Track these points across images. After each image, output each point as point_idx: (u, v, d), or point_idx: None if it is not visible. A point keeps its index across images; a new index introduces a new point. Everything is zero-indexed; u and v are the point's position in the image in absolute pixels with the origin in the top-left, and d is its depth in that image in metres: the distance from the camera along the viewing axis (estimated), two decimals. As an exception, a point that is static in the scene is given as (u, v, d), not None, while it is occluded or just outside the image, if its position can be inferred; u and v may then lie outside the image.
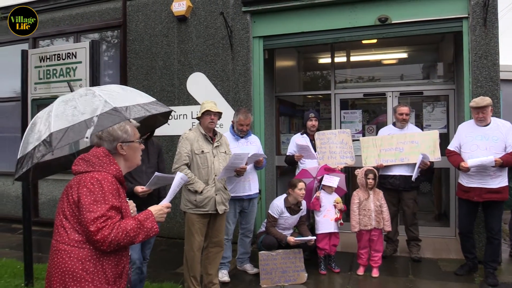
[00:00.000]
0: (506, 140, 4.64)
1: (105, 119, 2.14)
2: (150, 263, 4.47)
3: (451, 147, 4.98)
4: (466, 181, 4.82)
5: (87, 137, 2.07)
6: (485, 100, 4.64)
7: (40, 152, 2.15)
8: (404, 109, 5.55)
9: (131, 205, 2.49)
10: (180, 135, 4.46)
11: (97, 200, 2.10)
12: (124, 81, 7.12)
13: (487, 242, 4.87)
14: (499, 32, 5.50)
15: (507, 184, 4.76)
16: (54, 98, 2.69)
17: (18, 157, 2.33)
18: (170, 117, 3.13)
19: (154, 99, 2.57)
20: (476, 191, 4.72)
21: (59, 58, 5.04)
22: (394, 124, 5.76)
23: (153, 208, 2.33)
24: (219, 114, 4.40)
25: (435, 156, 5.35)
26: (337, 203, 5.15)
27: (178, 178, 2.66)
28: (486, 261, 4.84)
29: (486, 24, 5.41)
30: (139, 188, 3.72)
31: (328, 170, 5.30)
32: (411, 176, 5.24)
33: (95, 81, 4.64)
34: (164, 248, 6.18)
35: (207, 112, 4.32)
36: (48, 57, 5.07)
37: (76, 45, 5.42)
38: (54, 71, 5.05)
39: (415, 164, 5.19)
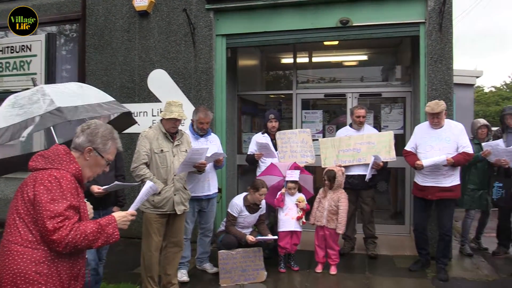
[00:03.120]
0: (458, 141, 4.85)
1: (47, 118, 2.07)
2: (106, 264, 4.36)
3: (408, 147, 5.15)
4: (421, 180, 5.01)
5: (23, 136, 2.00)
6: (440, 106, 4.81)
7: None
8: (361, 112, 5.69)
9: (88, 206, 2.41)
10: (139, 133, 4.36)
11: (54, 198, 2.02)
12: (82, 76, 6.91)
13: (439, 239, 5.06)
14: (454, 37, 5.72)
15: (459, 182, 4.98)
16: (6, 92, 2.59)
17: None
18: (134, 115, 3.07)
19: (112, 99, 2.51)
20: (430, 190, 4.91)
21: (12, 51, 4.85)
22: (351, 125, 5.89)
23: (117, 215, 2.26)
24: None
25: (390, 156, 5.52)
26: (300, 202, 5.21)
27: (147, 187, 2.58)
28: (437, 257, 5.04)
29: (442, 30, 5.61)
30: (95, 188, 3.62)
31: (297, 168, 5.34)
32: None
33: (51, 75, 4.50)
34: (121, 248, 6.04)
35: (173, 119, 4.24)
36: (0, 49, 4.86)
37: (31, 38, 5.19)
38: (7, 64, 4.86)
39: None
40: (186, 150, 4.38)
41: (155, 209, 4.19)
